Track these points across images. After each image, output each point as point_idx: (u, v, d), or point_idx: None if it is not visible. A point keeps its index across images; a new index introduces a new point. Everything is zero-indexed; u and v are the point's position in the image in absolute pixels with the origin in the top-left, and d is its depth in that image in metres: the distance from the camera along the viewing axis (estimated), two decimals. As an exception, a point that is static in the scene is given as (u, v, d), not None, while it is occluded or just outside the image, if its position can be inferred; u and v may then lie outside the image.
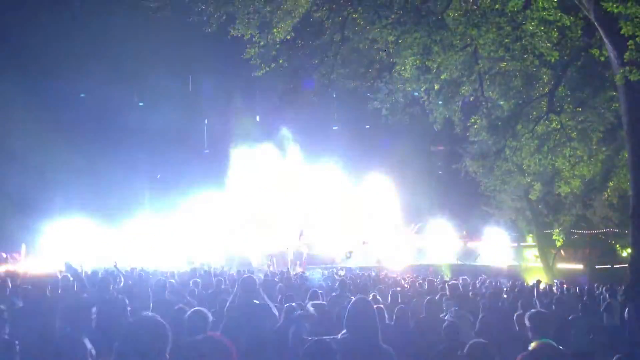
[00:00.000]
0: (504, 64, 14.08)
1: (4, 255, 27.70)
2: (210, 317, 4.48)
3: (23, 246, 28.60)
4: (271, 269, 22.30)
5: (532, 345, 4.35)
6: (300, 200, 32.23)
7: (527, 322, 4.64)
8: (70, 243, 28.78)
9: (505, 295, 11.24)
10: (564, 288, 14.38)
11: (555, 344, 4.35)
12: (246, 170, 34.63)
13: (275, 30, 13.81)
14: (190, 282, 10.59)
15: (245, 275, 6.49)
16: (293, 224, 31.24)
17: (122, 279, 7.47)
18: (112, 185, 31.95)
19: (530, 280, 18.08)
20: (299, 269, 23.05)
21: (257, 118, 37.98)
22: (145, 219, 32.64)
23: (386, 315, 6.52)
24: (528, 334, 4.64)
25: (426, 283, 12.01)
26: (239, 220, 31.94)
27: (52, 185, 31.46)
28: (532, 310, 4.99)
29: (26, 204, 30.40)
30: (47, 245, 29.43)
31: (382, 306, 6.88)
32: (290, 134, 35.59)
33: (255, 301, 5.54)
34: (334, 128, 40.02)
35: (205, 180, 33.89)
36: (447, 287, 9.55)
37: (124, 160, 33.94)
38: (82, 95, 36.64)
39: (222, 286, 10.33)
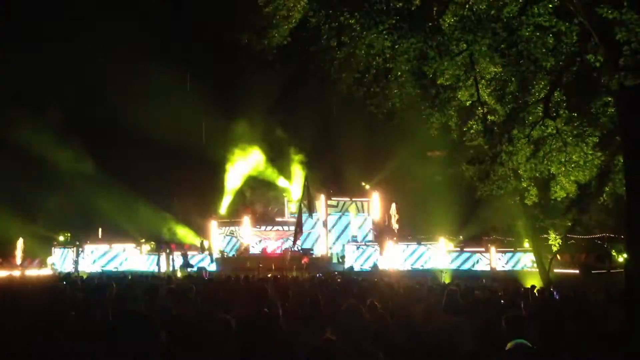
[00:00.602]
0: (500, 69, 14.13)
1: (-1, 259, 27.61)
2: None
3: (20, 241, 28.52)
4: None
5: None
6: (296, 203, 32.18)
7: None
8: (68, 247, 28.70)
9: (502, 301, 11.26)
10: (554, 293, 14.39)
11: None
12: (243, 174, 34.66)
13: (271, 35, 13.83)
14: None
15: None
16: (288, 229, 31.23)
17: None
18: (109, 189, 31.91)
19: (527, 285, 18.08)
20: (294, 273, 23.05)
21: (262, 124, 37.91)
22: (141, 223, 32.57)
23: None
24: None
25: (425, 288, 12.02)
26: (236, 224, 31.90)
27: (50, 188, 31.40)
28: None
29: (23, 207, 30.33)
30: (44, 248, 29.34)
31: (382, 312, 6.88)
32: (287, 136, 35.65)
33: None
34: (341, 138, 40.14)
35: (202, 183, 33.88)
36: (445, 293, 9.53)
37: (120, 163, 33.91)
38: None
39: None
